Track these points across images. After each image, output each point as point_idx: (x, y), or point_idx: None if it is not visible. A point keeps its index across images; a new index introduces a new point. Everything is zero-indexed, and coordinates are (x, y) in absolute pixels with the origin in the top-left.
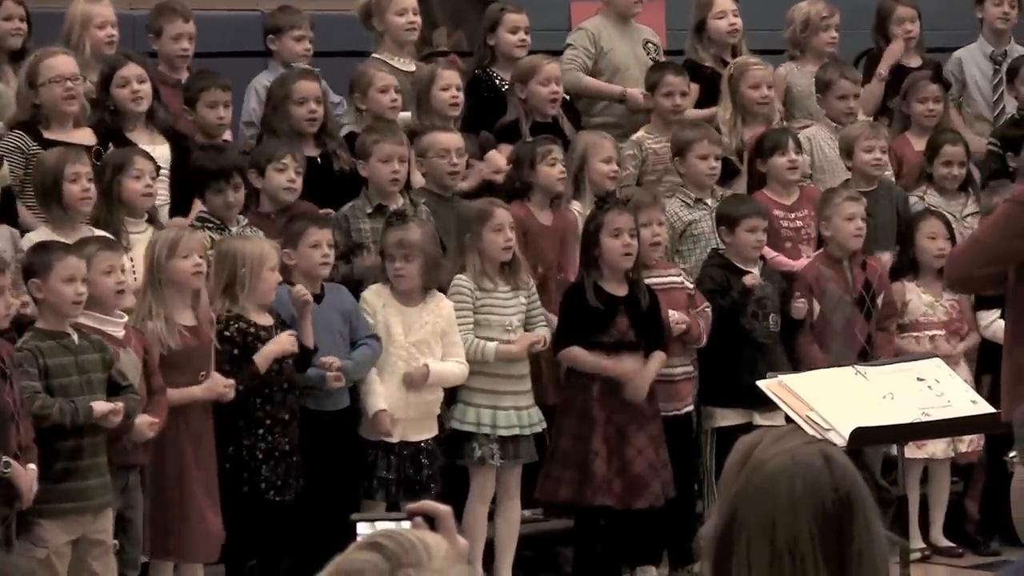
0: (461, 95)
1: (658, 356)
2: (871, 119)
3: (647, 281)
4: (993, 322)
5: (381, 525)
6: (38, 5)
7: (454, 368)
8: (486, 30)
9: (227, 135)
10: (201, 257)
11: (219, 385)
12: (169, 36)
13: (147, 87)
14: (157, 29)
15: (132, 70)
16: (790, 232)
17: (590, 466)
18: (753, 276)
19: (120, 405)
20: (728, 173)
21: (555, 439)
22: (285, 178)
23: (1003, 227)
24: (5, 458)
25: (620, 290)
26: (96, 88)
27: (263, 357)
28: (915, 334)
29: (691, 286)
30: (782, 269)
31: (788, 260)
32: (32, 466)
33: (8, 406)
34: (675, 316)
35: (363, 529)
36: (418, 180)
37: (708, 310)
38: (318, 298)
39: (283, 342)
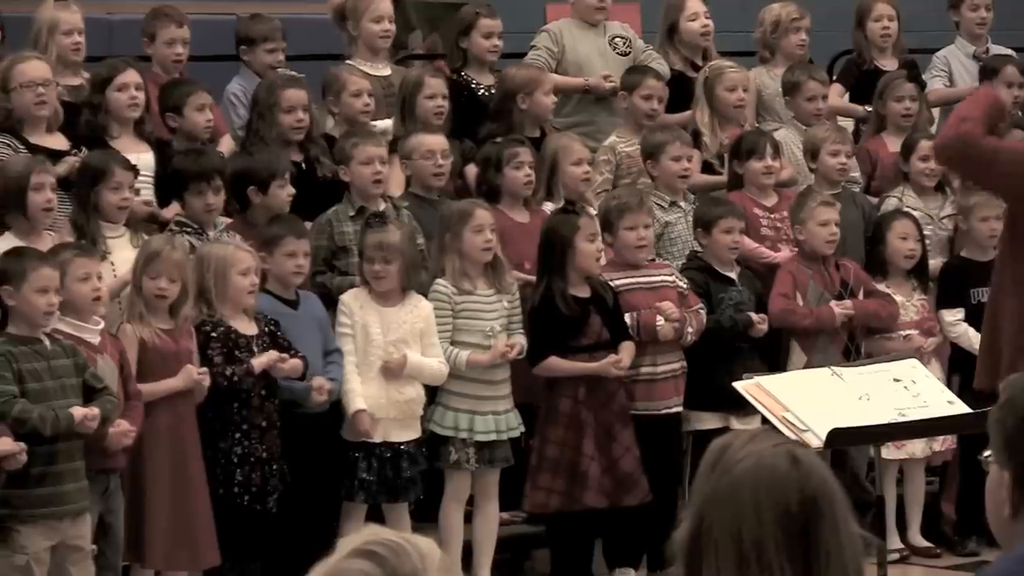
0: (446, 103)
1: (629, 345)
2: (836, 122)
3: (638, 280)
4: (957, 324)
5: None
6: (11, 10)
7: (433, 364)
8: (459, 33)
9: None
10: (171, 281)
11: (193, 373)
12: (163, 40)
13: (143, 95)
14: (151, 33)
15: (131, 76)
16: (770, 232)
17: (583, 469)
18: (761, 324)
19: (96, 411)
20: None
21: (539, 448)
22: (286, 193)
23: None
24: None
25: (584, 292)
26: (90, 89)
27: (259, 363)
28: (889, 334)
29: (684, 285)
30: (762, 260)
31: (769, 251)
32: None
33: None
34: (667, 305)
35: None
36: (395, 185)
37: (703, 311)
38: (294, 304)
39: (274, 359)
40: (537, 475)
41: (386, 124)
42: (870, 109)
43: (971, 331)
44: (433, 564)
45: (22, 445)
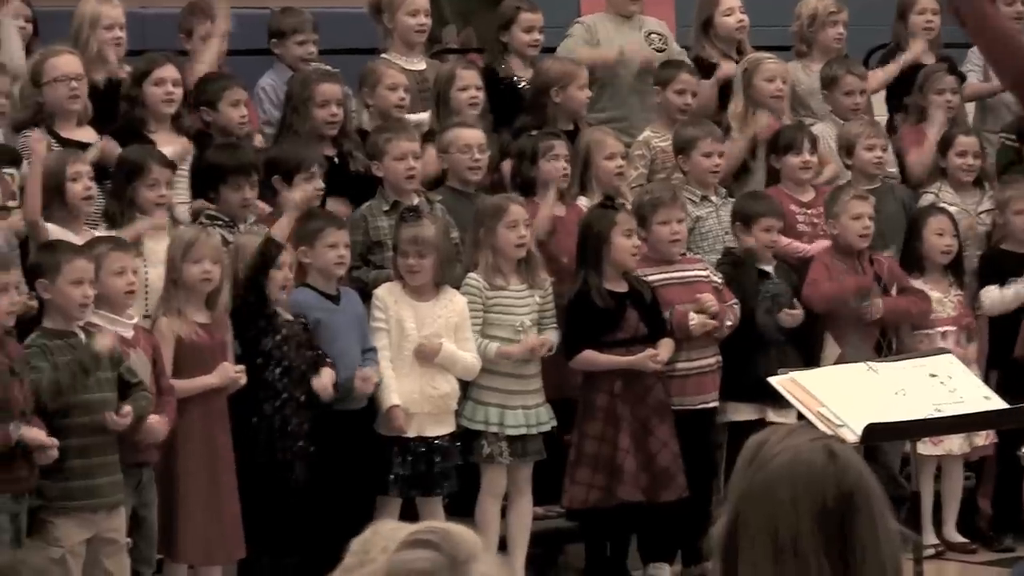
0: (481, 95)
1: (668, 341)
2: (872, 117)
3: (672, 276)
4: (988, 292)
5: None
6: (45, 4)
7: (466, 357)
8: (499, 27)
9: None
10: (214, 263)
11: (230, 371)
12: (199, 36)
13: (180, 91)
14: (187, 29)
15: (168, 72)
16: (807, 228)
17: (618, 463)
18: (793, 316)
19: (128, 408)
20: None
21: (577, 443)
22: (313, 187)
23: None
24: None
25: (621, 287)
26: (127, 83)
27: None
28: (927, 332)
29: (718, 280)
30: (797, 255)
31: (802, 244)
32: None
33: (17, 402)
34: (707, 297)
35: None
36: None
37: (736, 307)
38: (335, 299)
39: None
40: (575, 470)
41: (420, 117)
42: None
43: (1006, 291)
44: (479, 546)
45: (54, 440)
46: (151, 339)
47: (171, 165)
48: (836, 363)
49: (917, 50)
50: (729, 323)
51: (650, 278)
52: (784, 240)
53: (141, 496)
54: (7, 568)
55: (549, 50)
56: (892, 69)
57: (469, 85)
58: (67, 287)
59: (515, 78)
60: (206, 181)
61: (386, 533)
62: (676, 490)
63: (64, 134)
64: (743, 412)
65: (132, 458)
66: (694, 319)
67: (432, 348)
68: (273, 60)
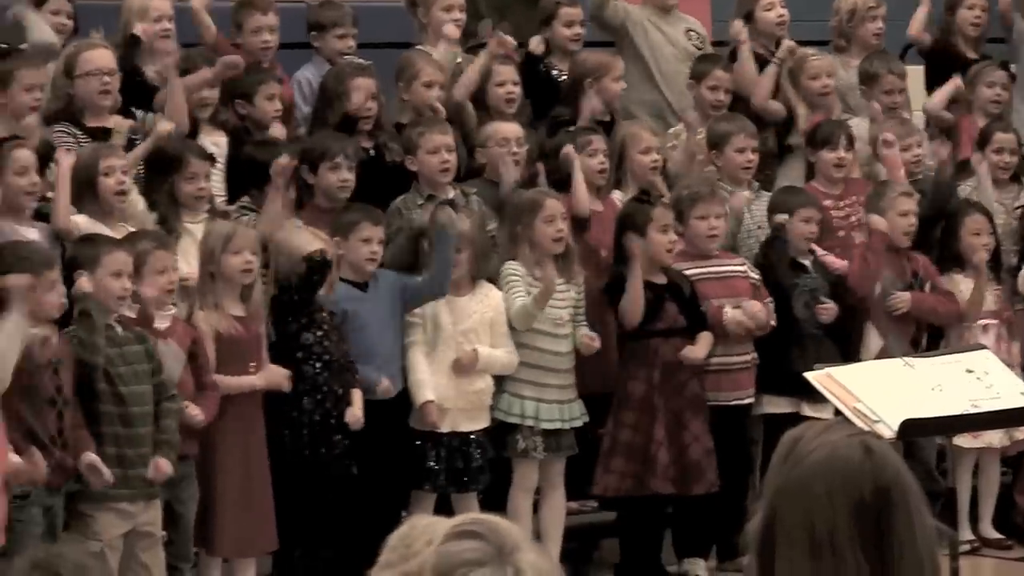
0: (517, 90)
1: (707, 335)
2: (905, 115)
3: (708, 271)
4: None
5: None
6: None
7: (503, 356)
8: (541, 23)
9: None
10: (253, 253)
11: (279, 377)
12: (249, 29)
13: (214, 92)
14: (238, 22)
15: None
16: (842, 223)
17: (653, 454)
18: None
19: (165, 464)
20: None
21: (612, 431)
22: (338, 177)
23: None
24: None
25: (660, 278)
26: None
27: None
28: (969, 324)
29: (756, 277)
30: (835, 270)
31: (836, 260)
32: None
33: (48, 391)
34: (754, 305)
35: None
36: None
37: (771, 304)
38: (363, 287)
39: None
40: (610, 459)
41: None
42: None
43: None
44: (522, 537)
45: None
46: (189, 331)
47: (209, 158)
48: (879, 356)
49: (958, 82)
50: (772, 323)
51: (686, 273)
52: (819, 250)
53: (178, 491)
54: (45, 562)
55: (591, 44)
56: (945, 92)
57: (506, 80)
58: (106, 279)
59: (555, 71)
60: (246, 178)
61: (426, 527)
62: (705, 484)
63: (91, 123)
64: (778, 405)
65: None
66: (728, 313)
67: (469, 359)
68: (312, 53)
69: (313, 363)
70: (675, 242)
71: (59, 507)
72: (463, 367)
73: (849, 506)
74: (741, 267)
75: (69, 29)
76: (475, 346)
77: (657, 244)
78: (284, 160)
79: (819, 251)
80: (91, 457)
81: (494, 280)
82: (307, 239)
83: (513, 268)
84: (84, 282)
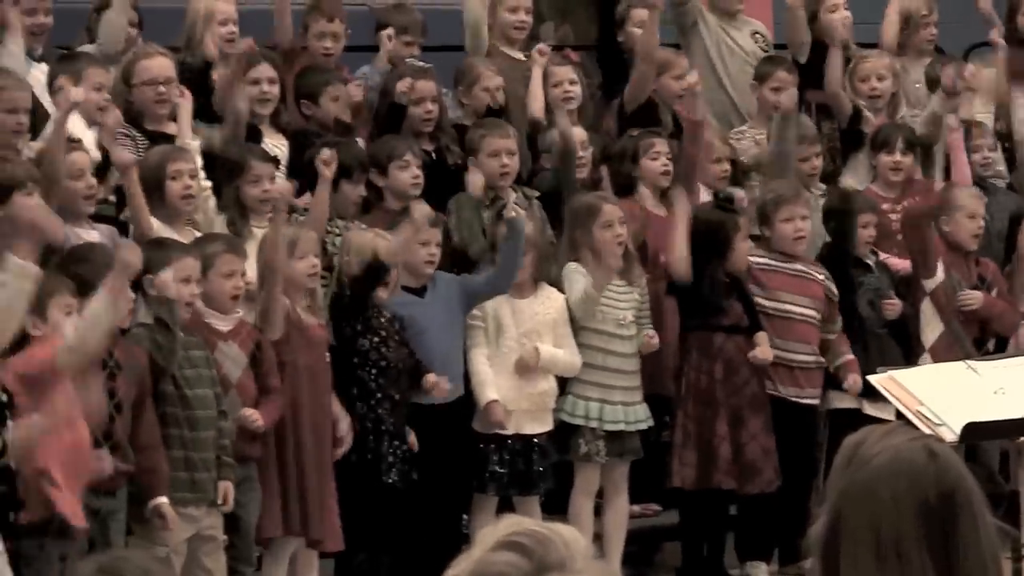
0: (576, 89)
1: (763, 336)
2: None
3: (781, 265)
4: None
5: None
6: (149, 3)
7: (565, 356)
8: (616, 27)
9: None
10: (316, 257)
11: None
12: (313, 34)
13: (276, 89)
14: (305, 25)
15: (264, 71)
16: (899, 225)
17: (715, 447)
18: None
19: (229, 493)
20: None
21: (682, 424)
22: (409, 175)
23: None
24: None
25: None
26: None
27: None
28: None
29: (835, 291)
30: (894, 271)
31: (898, 261)
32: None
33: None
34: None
35: None
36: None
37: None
38: (420, 292)
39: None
40: (682, 450)
41: None
42: None
43: None
44: (579, 552)
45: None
46: (254, 334)
47: (273, 160)
48: (935, 345)
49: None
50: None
51: (756, 260)
52: (881, 253)
53: (239, 494)
54: (110, 566)
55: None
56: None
57: (562, 80)
58: (175, 284)
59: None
60: (311, 180)
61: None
62: (760, 484)
63: (152, 128)
64: (841, 400)
65: (236, 451)
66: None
67: (531, 357)
68: (371, 56)
69: (369, 369)
70: (751, 247)
71: (121, 512)
72: (525, 365)
73: (914, 509)
74: (820, 275)
75: (133, 37)
76: (536, 343)
77: (741, 252)
78: (327, 153)
79: (881, 254)
80: (162, 502)
81: (556, 285)
82: (370, 240)
83: (575, 266)
84: (166, 283)
